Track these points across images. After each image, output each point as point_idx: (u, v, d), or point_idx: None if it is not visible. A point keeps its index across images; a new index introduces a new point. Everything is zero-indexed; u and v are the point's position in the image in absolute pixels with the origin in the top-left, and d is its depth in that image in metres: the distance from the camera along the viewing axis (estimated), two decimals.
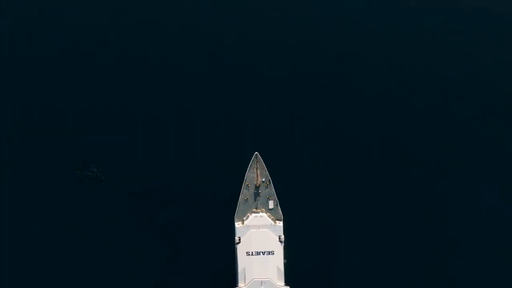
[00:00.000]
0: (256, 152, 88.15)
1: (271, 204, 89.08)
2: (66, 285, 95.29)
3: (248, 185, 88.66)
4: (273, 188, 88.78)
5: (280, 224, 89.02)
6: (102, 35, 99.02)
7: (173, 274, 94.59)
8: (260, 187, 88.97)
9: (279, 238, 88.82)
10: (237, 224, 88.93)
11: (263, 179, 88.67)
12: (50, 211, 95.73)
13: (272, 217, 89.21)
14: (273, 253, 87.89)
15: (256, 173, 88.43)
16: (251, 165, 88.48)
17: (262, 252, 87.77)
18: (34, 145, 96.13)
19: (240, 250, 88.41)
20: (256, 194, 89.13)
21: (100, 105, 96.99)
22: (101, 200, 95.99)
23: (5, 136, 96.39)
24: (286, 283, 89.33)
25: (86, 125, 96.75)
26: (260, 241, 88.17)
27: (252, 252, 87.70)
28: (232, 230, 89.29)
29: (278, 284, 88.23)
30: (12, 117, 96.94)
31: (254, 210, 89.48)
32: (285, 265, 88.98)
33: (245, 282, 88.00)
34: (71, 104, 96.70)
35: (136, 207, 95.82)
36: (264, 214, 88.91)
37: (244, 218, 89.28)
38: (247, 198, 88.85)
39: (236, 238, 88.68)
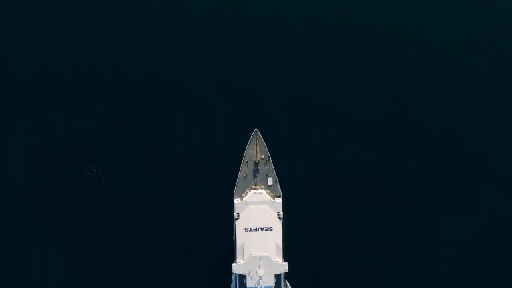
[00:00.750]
0: (256, 129, 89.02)
1: (270, 181, 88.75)
2: (66, 284, 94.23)
3: (247, 161, 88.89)
4: (272, 165, 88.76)
5: (279, 200, 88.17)
6: (102, 39, 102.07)
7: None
8: (260, 164, 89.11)
9: (278, 215, 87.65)
10: (236, 200, 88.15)
11: (263, 156, 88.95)
12: (50, 211, 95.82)
13: (271, 194, 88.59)
14: (272, 229, 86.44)
15: (256, 149, 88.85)
16: (250, 141, 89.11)
17: (261, 228, 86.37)
18: (34, 145, 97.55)
19: (239, 226, 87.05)
20: (255, 171, 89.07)
21: (100, 105, 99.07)
22: (101, 200, 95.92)
23: (6, 136, 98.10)
24: (285, 259, 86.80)
25: (86, 125, 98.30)
26: (258, 217, 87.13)
27: (250, 228, 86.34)
28: (231, 206, 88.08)
29: (277, 260, 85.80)
30: (12, 117, 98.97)
31: (253, 186, 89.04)
32: (283, 241, 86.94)
33: (243, 258, 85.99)
34: (71, 104, 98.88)
35: (136, 207, 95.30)
36: (263, 191, 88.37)
37: (243, 194, 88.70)
38: (246, 175, 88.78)
39: (235, 214, 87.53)
